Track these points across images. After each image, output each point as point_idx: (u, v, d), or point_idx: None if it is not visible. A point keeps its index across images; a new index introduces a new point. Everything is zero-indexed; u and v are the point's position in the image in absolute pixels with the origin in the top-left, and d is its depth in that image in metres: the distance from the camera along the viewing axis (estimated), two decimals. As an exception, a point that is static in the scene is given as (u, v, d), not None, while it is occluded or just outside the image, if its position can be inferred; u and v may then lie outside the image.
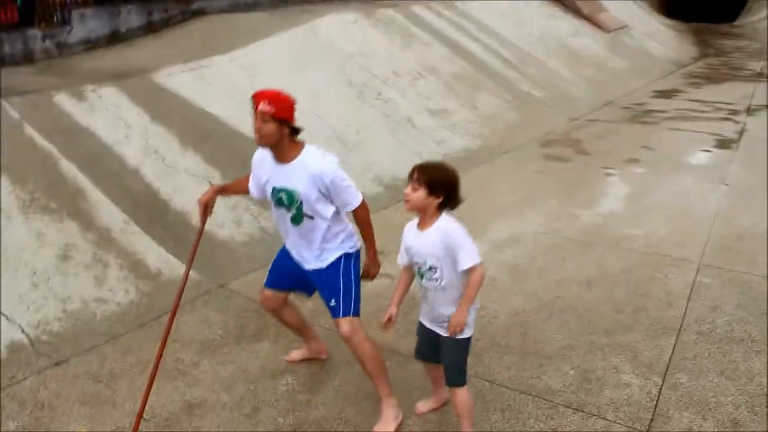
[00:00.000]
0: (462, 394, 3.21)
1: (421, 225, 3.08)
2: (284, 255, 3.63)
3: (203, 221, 3.54)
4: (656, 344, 4.15)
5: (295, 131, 3.26)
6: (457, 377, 3.20)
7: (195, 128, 6.51)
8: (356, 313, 3.40)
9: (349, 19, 9.89)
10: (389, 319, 3.22)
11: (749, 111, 10.58)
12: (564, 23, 14.76)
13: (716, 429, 3.38)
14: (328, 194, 3.26)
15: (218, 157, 6.28)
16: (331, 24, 9.57)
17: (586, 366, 3.93)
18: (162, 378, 3.79)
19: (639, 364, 3.95)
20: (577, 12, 15.74)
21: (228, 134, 6.64)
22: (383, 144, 7.79)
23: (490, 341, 4.22)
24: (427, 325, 3.25)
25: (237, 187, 3.73)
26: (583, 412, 3.52)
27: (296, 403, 3.70)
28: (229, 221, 5.72)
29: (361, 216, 3.38)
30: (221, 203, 5.76)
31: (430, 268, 3.05)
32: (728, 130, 9.45)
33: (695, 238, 5.76)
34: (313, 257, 3.43)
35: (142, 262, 5.02)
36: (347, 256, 3.43)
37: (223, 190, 3.68)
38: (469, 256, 2.99)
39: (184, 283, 3.58)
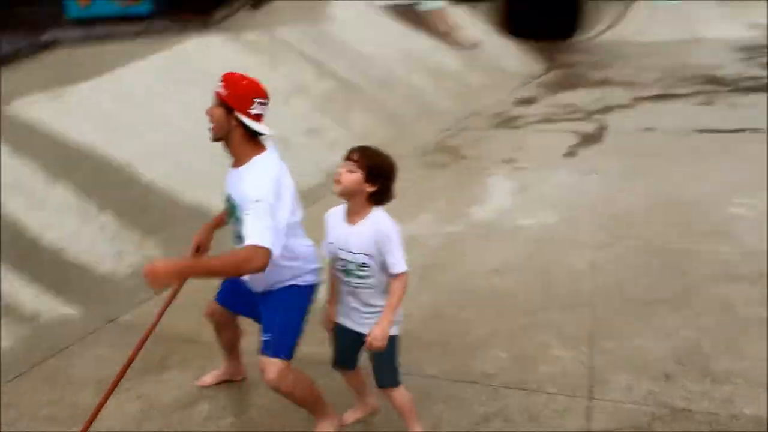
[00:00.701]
0: (400, 393, 3.02)
1: (351, 217, 2.84)
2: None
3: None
4: (575, 318, 4.18)
5: (252, 131, 2.87)
6: (390, 378, 2.99)
7: (62, 158, 5.95)
8: (289, 357, 2.95)
9: (216, 42, 9.59)
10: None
11: (604, 111, 11.29)
12: (422, 41, 15.17)
13: (652, 384, 3.42)
14: None
15: (91, 186, 5.76)
16: (197, 47, 9.22)
17: (515, 347, 3.88)
18: (61, 427, 3.33)
19: (565, 338, 3.95)
20: (433, 30, 16.27)
21: (99, 162, 6.13)
22: (265, 164, 7.52)
23: (411, 339, 4.05)
24: (348, 325, 2.99)
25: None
26: (524, 389, 3.45)
27: (220, 429, 3.36)
28: (110, 254, 5.24)
29: None
30: (97, 235, 5.31)
31: (362, 266, 2.81)
32: (589, 127, 10.00)
33: (582, 221, 5.97)
34: (260, 279, 2.95)
35: (16, 305, 4.46)
36: (299, 287, 3.03)
37: (217, 225, 3.25)
38: (399, 262, 2.78)
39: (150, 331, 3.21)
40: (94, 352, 4.15)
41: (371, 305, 2.89)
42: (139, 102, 7.21)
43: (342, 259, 2.85)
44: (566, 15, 28.24)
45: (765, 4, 33.20)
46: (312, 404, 3.12)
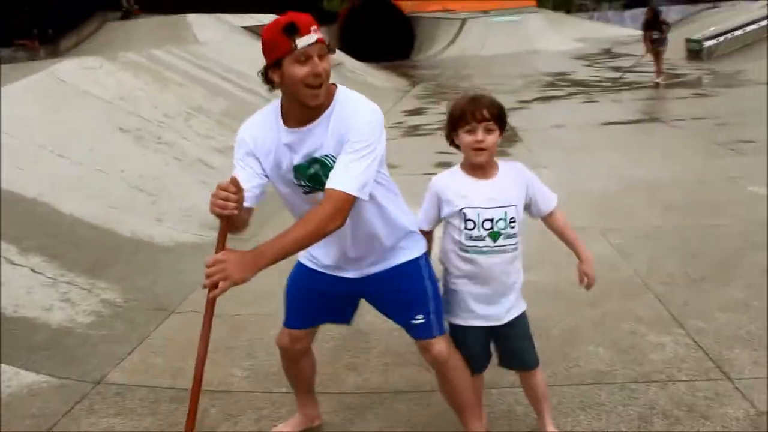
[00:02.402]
0: (541, 374, 2.60)
1: (485, 172, 2.39)
2: (304, 275, 2.55)
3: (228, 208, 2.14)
4: (643, 303, 3.84)
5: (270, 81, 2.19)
6: (535, 354, 2.56)
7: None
8: (444, 331, 2.47)
9: (93, 64, 8.42)
10: None
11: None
12: (292, 62, 14.68)
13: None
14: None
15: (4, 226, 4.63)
16: (74, 69, 8.03)
17: (607, 341, 3.45)
18: None
19: (650, 324, 3.58)
20: (298, 52, 15.79)
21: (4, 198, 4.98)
22: (189, 188, 6.59)
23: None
24: (482, 323, 2.44)
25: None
26: (655, 381, 3.03)
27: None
28: (55, 301, 4.17)
29: None
30: (31, 282, 4.25)
31: (511, 222, 2.34)
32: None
33: (568, 210, 5.71)
34: (374, 253, 2.41)
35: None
36: (423, 253, 2.50)
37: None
38: (552, 194, 2.48)
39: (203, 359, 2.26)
40: (96, 425, 3.15)
41: (514, 273, 2.44)
42: (19, 130, 6.04)
43: (486, 220, 2.34)
44: (398, 37, 29.12)
45: (585, 21, 36.53)
46: (471, 397, 2.56)
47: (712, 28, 19.75)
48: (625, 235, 4.96)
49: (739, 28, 18.34)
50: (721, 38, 18.35)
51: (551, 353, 3.34)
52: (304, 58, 2.08)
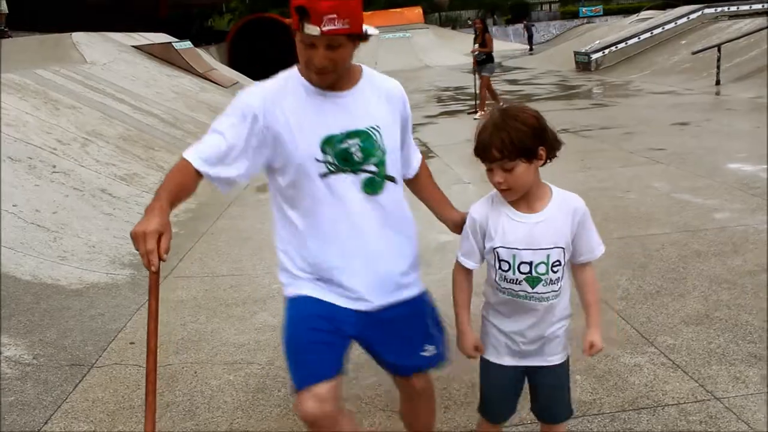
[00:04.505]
0: (564, 427, 2.31)
1: (527, 204, 2.01)
2: (314, 308, 2.03)
3: (156, 264, 1.75)
4: (607, 323, 3.71)
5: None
6: (568, 408, 2.24)
7: None
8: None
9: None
10: (476, 348, 2.15)
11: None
12: (187, 81, 14.04)
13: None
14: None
15: None
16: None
17: (582, 368, 3.26)
18: None
19: (620, 345, 3.44)
20: (192, 71, 15.18)
21: None
22: (93, 222, 5.98)
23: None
24: (514, 362, 2.13)
25: (181, 189, 1.93)
26: (642, 408, 2.85)
27: None
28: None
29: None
30: None
31: (554, 265, 1.99)
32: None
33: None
34: (399, 273, 2.09)
35: None
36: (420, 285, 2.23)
37: (172, 203, 1.87)
38: (599, 242, 2.08)
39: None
40: None
41: (558, 327, 2.11)
42: None
43: (524, 263, 1.99)
44: (288, 55, 28.72)
45: (472, 37, 37.56)
46: None
47: (597, 42, 20.71)
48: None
49: (622, 41, 19.31)
50: (606, 51, 19.25)
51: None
52: (309, 43, 1.83)
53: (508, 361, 2.13)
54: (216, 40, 29.10)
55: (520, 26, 45.29)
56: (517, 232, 1.99)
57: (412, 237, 2.15)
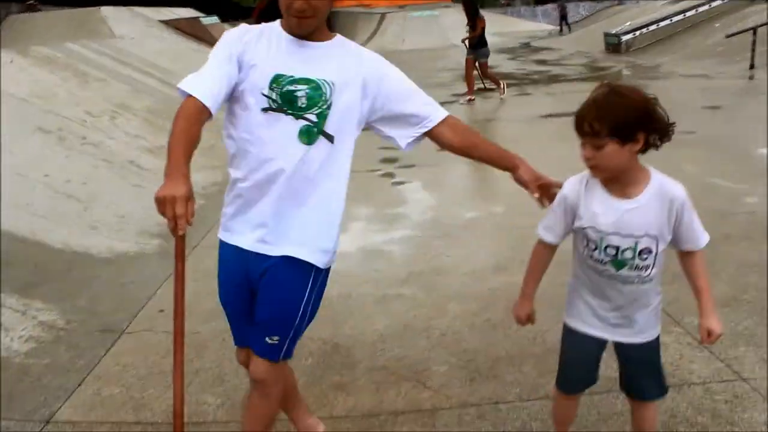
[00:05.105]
0: (655, 410, 2.29)
1: (620, 189, 1.99)
2: (231, 261, 2.16)
3: (183, 229, 1.79)
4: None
5: None
6: (661, 386, 2.22)
7: None
8: (289, 356, 2.17)
9: (2, 59, 7.68)
10: (529, 318, 2.19)
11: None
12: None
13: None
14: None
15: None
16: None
17: (609, 345, 3.27)
18: None
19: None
20: (212, 44, 15.23)
21: None
22: (122, 193, 6.07)
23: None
24: (599, 333, 2.13)
25: (194, 143, 1.92)
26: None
27: None
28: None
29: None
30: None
31: (641, 253, 1.99)
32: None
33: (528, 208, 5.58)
34: (297, 228, 2.06)
35: None
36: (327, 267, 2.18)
37: (190, 160, 1.88)
38: (702, 232, 2.06)
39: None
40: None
41: (646, 305, 2.10)
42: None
43: (611, 246, 2.00)
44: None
45: (500, 16, 37.19)
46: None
47: (628, 23, 20.35)
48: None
49: (654, 23, 18.97)
50: (637, 33, 18.93)
51: (552, 362, 3.12)
52: None
53: (593, 331, 2.14)
54: (243, 15, 29.16)
55: (549, 6, 44.62)
56: (608, 216, 1.98)
57: (316, 209, 2.06)
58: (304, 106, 1.99)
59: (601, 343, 2.16)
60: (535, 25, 37.43)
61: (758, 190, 5.51)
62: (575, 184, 2.05)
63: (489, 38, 11.74)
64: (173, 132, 1.87)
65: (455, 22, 28.94)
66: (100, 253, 4.86)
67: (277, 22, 2.10)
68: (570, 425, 2.44)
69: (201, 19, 15.81)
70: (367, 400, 2.98)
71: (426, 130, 2.20)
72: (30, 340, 3.61)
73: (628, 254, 1.99)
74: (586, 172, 2.03)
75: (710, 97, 10.55)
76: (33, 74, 7.75)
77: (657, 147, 1.95)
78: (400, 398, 2.97)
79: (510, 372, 3.10)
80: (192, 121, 1.90)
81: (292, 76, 2.00)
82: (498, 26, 32.59)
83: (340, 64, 2.05)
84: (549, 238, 2.12)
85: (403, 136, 2.20)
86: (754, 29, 13.47)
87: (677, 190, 1.99)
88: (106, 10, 13.00)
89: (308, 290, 2.08)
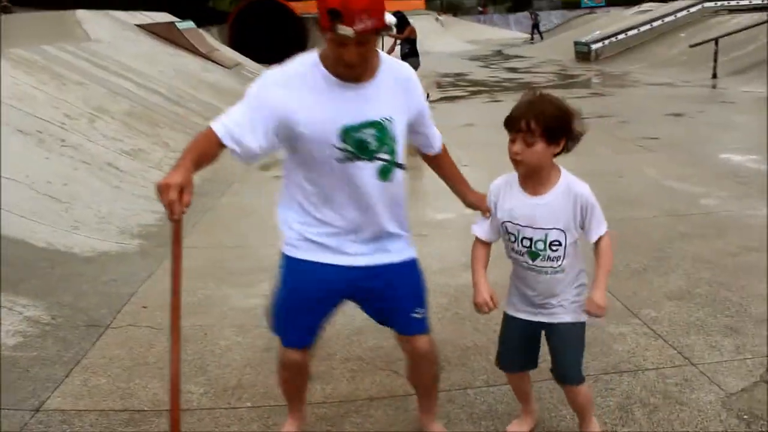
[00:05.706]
0: (586, 390, 2.52)
1: (535, 187, 2.26)
2: (310, 273, 2.30)
3: (177, 213, 1.92)
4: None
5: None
6: (579, 371, 2.46)
7: None
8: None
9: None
10: (487, 303, 2.35)
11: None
12: (191, 61, 14.16)
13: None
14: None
15: None
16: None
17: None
18: None
19: (607, 317, 3.65)
20: (195, 52, 15.28)
21: None
22: (102, 194, 6.16)
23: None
24: (526, 317, 2.40)
25: (204, 154, 2.08)
26: (623, 372, 3.10)
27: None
28: (-30, 323, 3.75)
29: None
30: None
31: (552, 245, 2.25)
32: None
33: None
34: (393, 239, 2.36)
35: None
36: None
37: (195, 163, 2.01)
38: (602, 222, 2.32)
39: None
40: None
41: (556, 295, 2.34)
42: None
43: (525, 238, 2.27)
44: (290, 38, 28.75)
45: (473, 24, 37.68)
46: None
47: (597, 32, 20.83)
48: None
49: (622, 32, 19.45)
50: (606, 42, 19.39)
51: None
52: (341, 42, 1.97)
53: (522, 315, 2.40)
54: (217, 21, 29.04)
55: (521, 15, 45.26)
56: (523, 210, 2.26)
57: (401, 221, 2.38)
58: (375, 148, 2.14)
59: (529, 327, 2.41)
60: (508, 33, 37.98)
61: (714, 193, 5.81)
62: (499, 184, 2.36)
63: (462, 45, 12.07)
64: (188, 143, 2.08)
65: (428, 29, 29.35)
66: (83, 252, 4.97)
67: (315, 59, 2.13)
68: (528, 398, 2.67)
69: (176, 23, 15.86)
70: (343, 387, 3.16)
71: (424, 152, 2.51)
72: (17, 334, 3.73)
73: (540, 245, 2.26)
74: (510, 175, 2.32)
75: (674, 104, 10.94)
76: (11, 76, 7.79)
77: (568, 151, 2.25)
78: (374, 386, 3.15)
79: (477, 360, 3.30)
80: (208, 140, 2.08)
81: (358, 123, 2.10)
82: (472, 34, 33.14)
83: (392, 96, 2.18)
84: (478, 233, 2.41)
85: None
86: (716, 39, 13.94)
87: (582, 188, 2.29)
88: (82, 14, 13.02)
89: (420, 274, 2.42)
